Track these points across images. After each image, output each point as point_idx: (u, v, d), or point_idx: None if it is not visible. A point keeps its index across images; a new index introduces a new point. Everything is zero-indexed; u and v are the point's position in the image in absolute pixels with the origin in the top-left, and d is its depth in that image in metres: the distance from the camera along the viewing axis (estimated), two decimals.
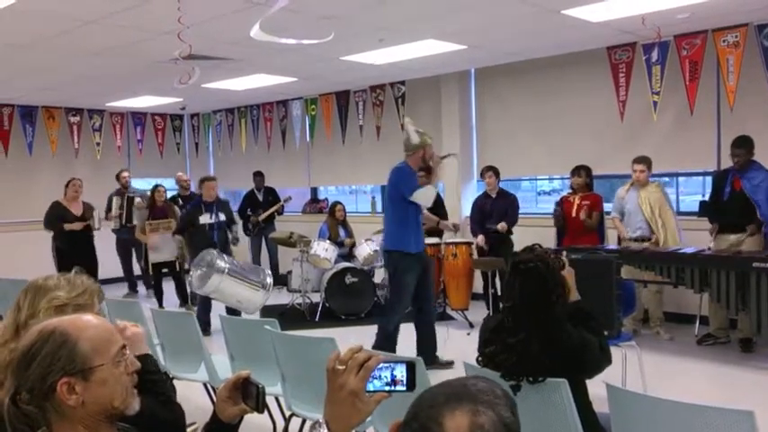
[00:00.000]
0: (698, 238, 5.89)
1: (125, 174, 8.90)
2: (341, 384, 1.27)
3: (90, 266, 7.20)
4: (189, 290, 7.97)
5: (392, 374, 1.29)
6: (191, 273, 6.21)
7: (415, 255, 5.20)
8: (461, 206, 8.23)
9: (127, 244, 8.85)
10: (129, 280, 9.16)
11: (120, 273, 9.16)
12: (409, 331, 6.57)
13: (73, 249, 7.42)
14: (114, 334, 1.48)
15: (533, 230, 5.91)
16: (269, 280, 6.18)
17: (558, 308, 2.43)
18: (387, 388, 1.28)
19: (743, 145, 5.52)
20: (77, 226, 7.51)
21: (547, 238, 6.58)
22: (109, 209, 8.71)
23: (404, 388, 1.28)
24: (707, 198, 6.10)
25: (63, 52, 6.12)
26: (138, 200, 8.53)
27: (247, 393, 1.57)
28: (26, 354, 1.39)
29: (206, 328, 6.26)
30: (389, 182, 5.30)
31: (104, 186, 9.02)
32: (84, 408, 1.39)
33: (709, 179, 6.54)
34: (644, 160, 6.00)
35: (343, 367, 1.28)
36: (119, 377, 1.44)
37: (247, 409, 1.58)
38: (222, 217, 6.85)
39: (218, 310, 6.20)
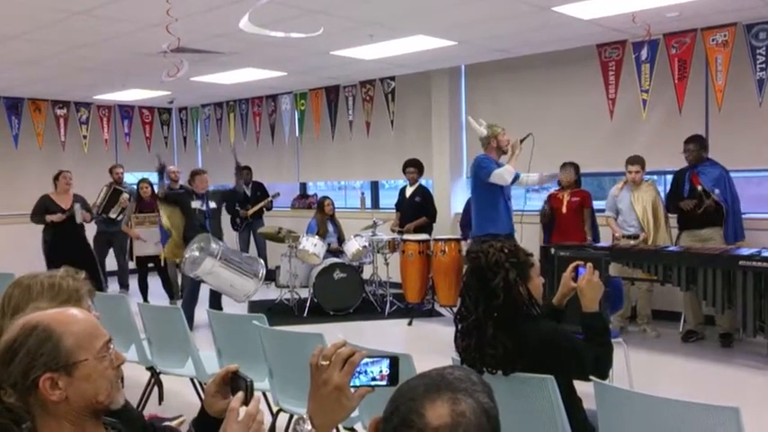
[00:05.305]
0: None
1: (119, 170, 8.67)
2: (325, 380, 1.27)
3: (82, 260, 7.11)
4: (180, 282, 7.93)
5: (376, 370, 1.29)
6: (184, 256, 6.19)
7: (508, 236, 5.28)
8: (450, 202, 8.24)
9: (104, 237, 8.65)
10: (102, 274, 9.03)
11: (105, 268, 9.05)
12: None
13: (63, 243, 7.32)
14: (98, 328, 1.46)
15: (523, 227, 5.90)
16: (262, 270, 6.21)
17: (504, 299, 2.41)
18: (371, 383, 1.29)
19: (694, 140, 5.80)
20: (58, 217, 7.36)
21: (535, 234, 6.59)
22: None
23: (388, 383, 1.28)
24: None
25: (50, 44, 6.05)
26: (124, 195, 8.45)
27: (236, 388, 1.57)
28: (8, 349, 1.37)
29: (188, 323, 6.19)
30: (472, 173, 5.71)
31: (92, 180, 8.92)
32: (68, 403, 1.38)
33: None
34: (639, 161, 6.02)
35: (327, 363, 1.28)
36: (103, 372, 1.42)
37: None
38: (213, 205, 6.88)
39: (203, 305, 6.17)
